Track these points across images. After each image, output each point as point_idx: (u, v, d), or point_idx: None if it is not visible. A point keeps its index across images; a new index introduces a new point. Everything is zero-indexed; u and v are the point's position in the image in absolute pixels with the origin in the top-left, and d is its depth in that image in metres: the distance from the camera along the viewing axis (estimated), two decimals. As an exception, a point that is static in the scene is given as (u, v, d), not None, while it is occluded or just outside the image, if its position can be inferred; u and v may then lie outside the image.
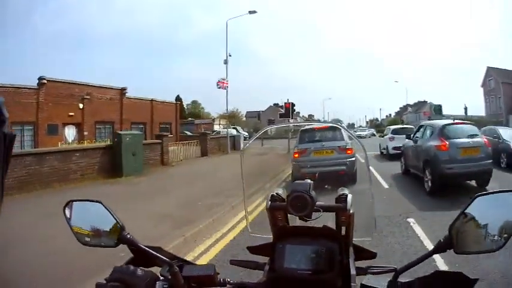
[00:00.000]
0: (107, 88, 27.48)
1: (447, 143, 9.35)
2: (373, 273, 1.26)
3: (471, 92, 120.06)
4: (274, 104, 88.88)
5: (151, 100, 31.14)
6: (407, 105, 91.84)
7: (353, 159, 10.86)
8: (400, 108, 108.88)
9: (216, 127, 64.18)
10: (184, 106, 78.08)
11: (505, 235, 1.05)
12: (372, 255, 1.40)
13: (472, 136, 9.70)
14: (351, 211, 1.32)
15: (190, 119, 69.18)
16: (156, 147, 18.38)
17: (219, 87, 26.59)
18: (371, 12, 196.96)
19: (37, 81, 22.34)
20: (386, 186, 11.03)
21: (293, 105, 25.22)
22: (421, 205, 8.20)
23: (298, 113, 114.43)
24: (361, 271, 1.25)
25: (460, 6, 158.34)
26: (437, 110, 58.07)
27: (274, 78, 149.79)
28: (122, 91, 28.37)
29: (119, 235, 1.24)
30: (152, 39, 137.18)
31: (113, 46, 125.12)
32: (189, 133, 36.97)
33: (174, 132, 31.88)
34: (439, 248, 1.12)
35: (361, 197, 1.63)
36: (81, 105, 24.66)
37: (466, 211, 1.09)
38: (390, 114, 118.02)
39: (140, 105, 29.80)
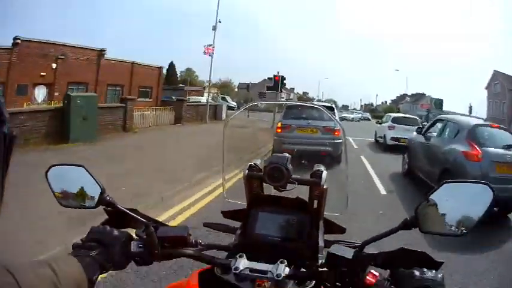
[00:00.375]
0: (85, 49, 25.71)
1: (480, 151, 6.66)
2: None
3: (473, 92, 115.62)
4: (269, 78, 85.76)
5: (132, 63, 28.91)
6: (405, 94, 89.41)
7: (339, 141, 10.03)
8: (397, 96, 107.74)
9: (206, 95, 62.20)
10: (178, 73, 76.54)
11: (463, 227, 1.07)
12: (341, 230, 1.46)
13: (509, 147, 6.94)
14: (325, 186, 1.36)
15: (180, 85, 67.32)
16: (118, 112, 16.25)
17: (204, 54, 24.40)
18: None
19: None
20: (383, 191, 8.59)
21: (283, 78, 23.49)
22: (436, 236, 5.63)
23: (293, 89, 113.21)
24: (329, 244, 1.24)
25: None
26: (438, 104, 55.38)
27: (273, 52, 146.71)
28: (101, 52, 26.48)
29: (99, 197, 1.24)
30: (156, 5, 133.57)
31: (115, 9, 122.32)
32: (175, 98, 34.72)
33: (154, 97, 30.21)
34: (405, 226, 1.10)
35: (337, 175, 1.91)
36: (54, 65, 23.17)
37: (432, 196, 1.08)
38: (386, 101, 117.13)
39: (119, 67, 27.75)
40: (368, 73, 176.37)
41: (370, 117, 70.78)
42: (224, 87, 70.75)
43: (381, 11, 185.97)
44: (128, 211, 1.23)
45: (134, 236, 1.20)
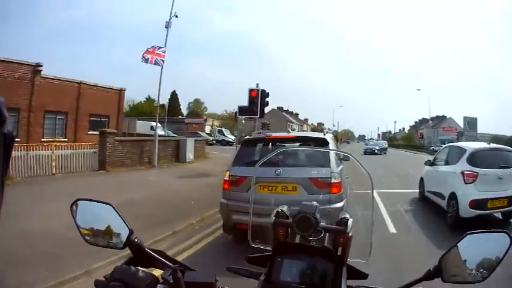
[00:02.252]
0: (14, 63, 20.00)
1: None
2: None
3: (502, 106, 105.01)
4: (278, 108, 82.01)
5: (80, 82, 23.21)
6: (425, 119, 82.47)
7: (340, 205, 5.72)
8: (416, 122, 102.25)
9: (208, 128, 57.59)
10: (181, 104, 73.20)
11: (485, 271, 1.16)
12: (364, 276, 1.45)
13: None
14: (350, 234, 1.38)
15: (180, 117, 63.28)
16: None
17: (146, 61, 16.73)
18: (395, 26, 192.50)
19: None
20: None
21: (265, 94, 13.96)
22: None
23: (307, 119, 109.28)
24: None
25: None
26: (472, 124, 47.80)
27: (286, 82, 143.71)
28: (35, 68, 20.75)
29: (127, 238, 1.25)
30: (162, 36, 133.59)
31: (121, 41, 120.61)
32: (168, 133, 30.89)
33: (113, 129, 24.00)
34: (429, 276, 1.20)
35: (361, 220, 1.91)
36: (-27, 87, 18.23)
37: (456, 246, 1.19)
38: (403, 128, 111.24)
39: (62, 88, 22.14)
40: (386, 100, 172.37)
41: (385, 146, 58.42)
42: (230, 119, 65.50)
43: (396, 37, 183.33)
44: (155, 254, 1.25)
45: (160, 278, 1.20)
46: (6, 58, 19.59)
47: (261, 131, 9.76)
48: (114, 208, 1.27)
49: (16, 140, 13.53)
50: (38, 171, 12.50)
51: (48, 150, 13.15)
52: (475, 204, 7.82)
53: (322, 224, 1.38)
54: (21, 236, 6.13)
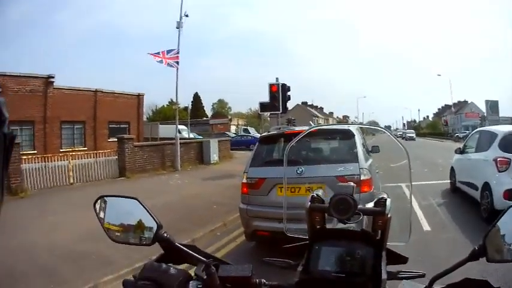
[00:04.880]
0: (27, 77, 19.85)
1: None
2: (403, 278, 1.23)
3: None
4: (303, 103, 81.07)
5: (95, 91, 22.72)
6: (447, 105, 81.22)
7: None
8: (439, 109, 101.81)
9: (233, 127, 56.30)
10: (204, 106, 72.33)
11: None
12: (404, 261, 1.37)
13: None
14: (389, 215, 1.27)
15: (204, 118, 62.14)
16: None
17: (159, 61, 16.15)
18: (411, 13, 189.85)
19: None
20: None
21: (286, 88, 12.85)
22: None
23: (332, 113, 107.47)
24: (391, 275, 1.22)
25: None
26: (494, 108, 47.05)
27: (310, 79, 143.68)
28: (47, 80, 20.51)
29: (155, 233, 1.17)
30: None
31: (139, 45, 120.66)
32: (194, 135, 30.08)
33: (135, 135, 23.31)
34: (473, 256, 1.11)
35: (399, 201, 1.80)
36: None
37: (499, 222, 1.08)
38: (427, 116, 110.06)
39: (77, 97, 21.80)
40: (408, 88, 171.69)
41: (414, 136, 62.03)
42: (255, 117, 63.61)
43: (410, 24, 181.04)
44: (186, 249, 1.17)
45: (192, 274, 1.13)
46: (15, 72, 19.41)
47: (280, 126, 8.73)
48: (140, 202, 1.16)
49: (33, 152, 12.61)
50: (55, 182, 12.18)
51: (65, 160, 12.70)
52: (510, 194, 6.90)
53: (360, 206, 1.22)
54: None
